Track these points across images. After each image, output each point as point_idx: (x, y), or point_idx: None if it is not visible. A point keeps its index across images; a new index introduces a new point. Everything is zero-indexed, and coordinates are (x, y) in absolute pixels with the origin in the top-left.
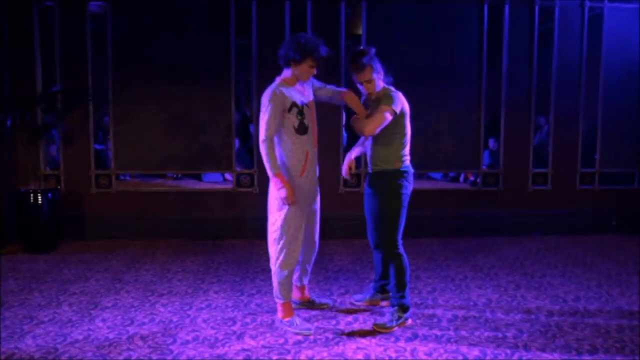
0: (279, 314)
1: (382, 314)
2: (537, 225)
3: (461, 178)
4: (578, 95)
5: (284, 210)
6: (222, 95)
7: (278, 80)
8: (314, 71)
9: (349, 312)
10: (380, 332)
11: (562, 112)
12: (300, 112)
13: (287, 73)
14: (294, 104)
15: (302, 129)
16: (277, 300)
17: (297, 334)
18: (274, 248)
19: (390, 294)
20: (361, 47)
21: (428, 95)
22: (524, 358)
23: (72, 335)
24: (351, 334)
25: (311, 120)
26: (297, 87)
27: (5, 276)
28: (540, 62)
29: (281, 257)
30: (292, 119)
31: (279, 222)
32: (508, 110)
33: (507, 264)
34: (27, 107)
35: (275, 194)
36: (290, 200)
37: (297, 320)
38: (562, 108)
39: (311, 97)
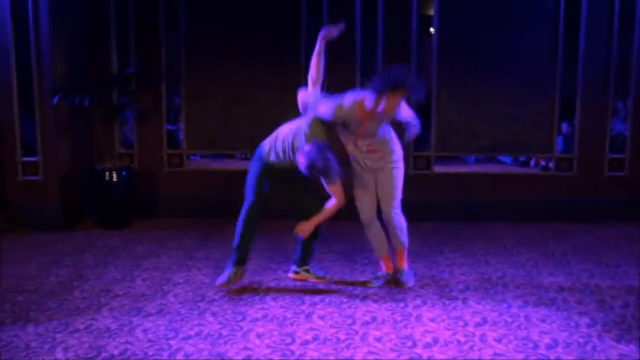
0: None
1: None
2: (613, 213)
3: (532, 163)
4: None
5: None
6: (292, 76)
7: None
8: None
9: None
10: None
11: None
12: None
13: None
14: None
15: None
16: None
17: None
18: None
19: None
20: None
21: (500, 77)
22: (597, 348)
23: (146, 309)
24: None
25: None
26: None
27: (82, 250)
28: (620, 42)
29: None
30: None
31: None
32: (584, 92)
33: (579, 251)
34: (103, 88)
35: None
36: None
37: None
38: None
39: None
